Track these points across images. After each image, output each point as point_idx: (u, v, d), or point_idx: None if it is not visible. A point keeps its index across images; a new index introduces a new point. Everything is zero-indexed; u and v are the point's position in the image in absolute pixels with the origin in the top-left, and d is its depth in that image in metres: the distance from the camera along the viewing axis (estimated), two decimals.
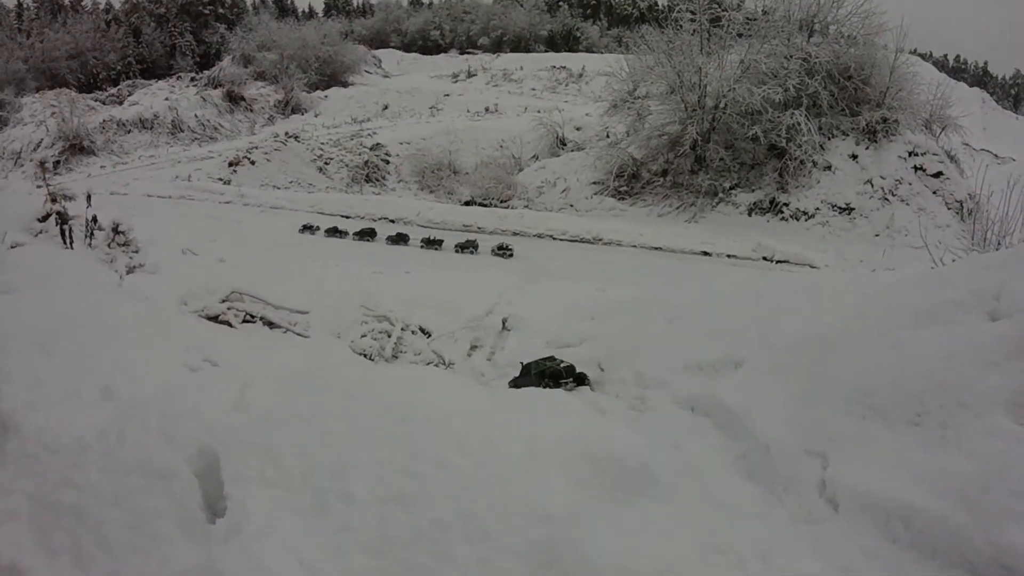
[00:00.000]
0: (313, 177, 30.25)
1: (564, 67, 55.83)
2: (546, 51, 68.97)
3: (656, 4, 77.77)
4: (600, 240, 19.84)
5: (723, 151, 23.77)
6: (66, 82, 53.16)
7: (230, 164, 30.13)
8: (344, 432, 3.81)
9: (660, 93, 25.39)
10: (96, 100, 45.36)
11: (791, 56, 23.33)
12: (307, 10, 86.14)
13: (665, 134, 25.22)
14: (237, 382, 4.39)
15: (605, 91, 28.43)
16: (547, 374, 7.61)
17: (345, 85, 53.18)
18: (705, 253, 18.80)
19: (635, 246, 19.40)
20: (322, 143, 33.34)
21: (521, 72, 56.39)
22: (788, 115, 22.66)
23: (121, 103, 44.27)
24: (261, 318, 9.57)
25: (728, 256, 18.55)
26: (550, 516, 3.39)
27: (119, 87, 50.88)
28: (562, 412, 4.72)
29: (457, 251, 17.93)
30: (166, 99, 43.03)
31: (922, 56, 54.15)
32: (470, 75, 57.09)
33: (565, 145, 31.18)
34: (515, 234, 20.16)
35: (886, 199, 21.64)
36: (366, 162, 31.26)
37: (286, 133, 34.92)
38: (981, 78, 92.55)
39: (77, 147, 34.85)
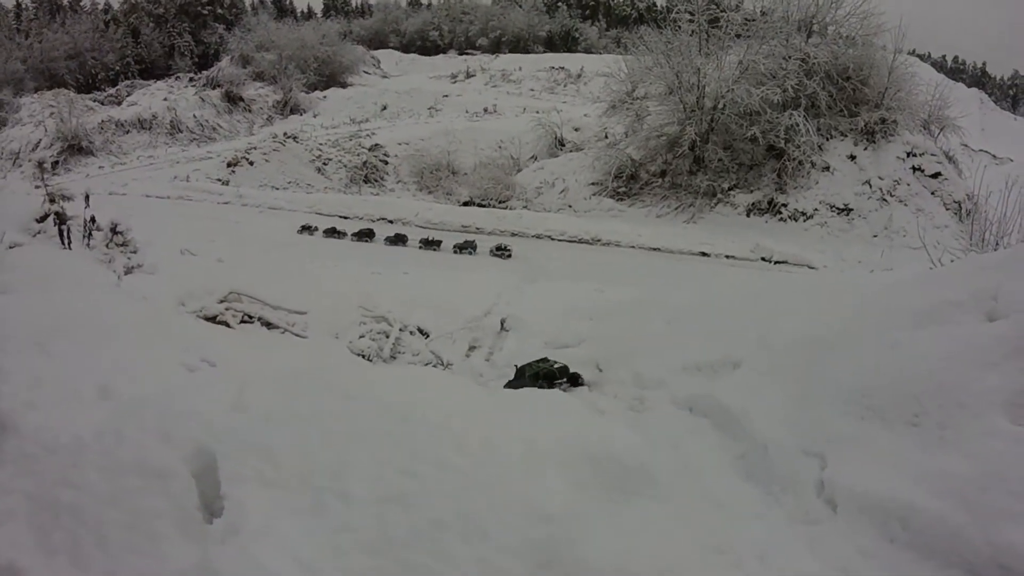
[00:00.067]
0: (311, 178, 30.23)
1: (563, 68, 55.82)
2: (545, 52, 68.89)
3: (655, 5, 77.82)
4: (598, 241, 19.83)
5: (721, 152, 23.78)
6: (64, 82, 53.12)
7: (228, 164, 30.11)
8: (343, 432, 3.81)
9: (658, 94, 25.38)
10: (95, 100, 45.33)
11: (790, 57, 23.33)
12: (306, 10, 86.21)
13: (663, 135, 25.22)
14: (235, 382, 4.39)
15: (603, 92, 28.41)
16: (541, 375, 7.63)
17: (344, 86, 53.17)
18: (703, 254, 18.80)
19: (633, 247, 19.39)
20: (321, 144, 33.33)
21: (520, 73, 56.39)
22: (787, 116, 22.66)
23: (120, 103, 44.25)
24: (259, 318, 9.57)
25: (726, 257, 18.55)
26: (549, 516, 3.39)
27: (118, 87, 50.82)
28: (561, 412, 4.72)
29: (455, 252, 17.92)
30: (165, 99, 43.01)
31: (921, 57, 54.27)
32: (469, 76, 57.09)
33: (564, 146, 31.18)
34: (513, 235, 20.14)
35: (884, 200, 21.66)
36: (364, 163, 31.24)
37: (284, 134, 34.89)
38: (979, 79, 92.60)
39: (75, 147, 34.81)
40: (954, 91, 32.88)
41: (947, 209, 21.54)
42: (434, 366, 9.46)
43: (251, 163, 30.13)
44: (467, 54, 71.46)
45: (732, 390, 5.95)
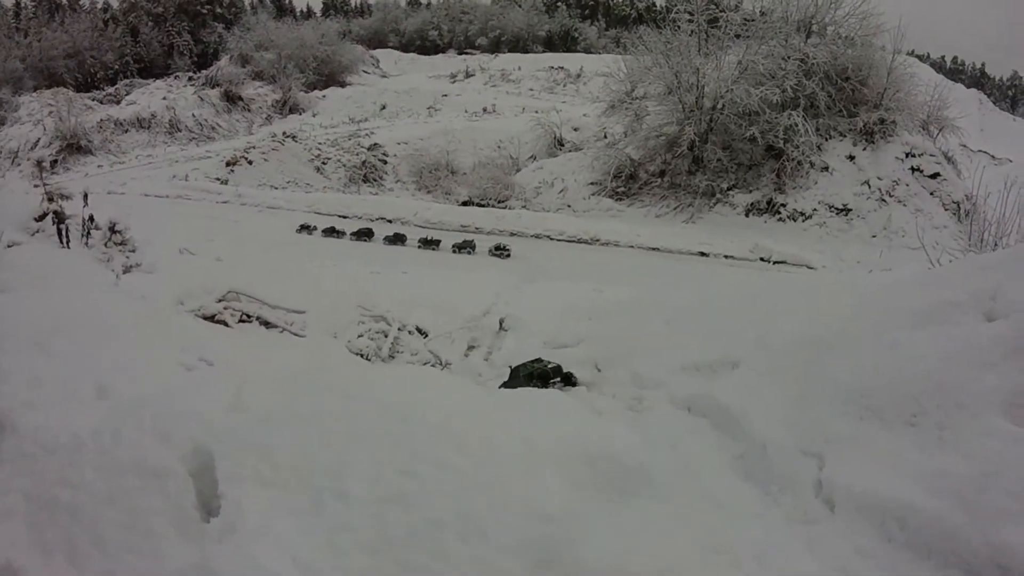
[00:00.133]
0: (310, 177, 30.22)
1: (562, 67, 55.85)
2: (544, 51, 68.95)
3: (654, 5, 77.87)
4: (597, 240, 19.83)
5: (720, 152, 23.78)
6: (63, 81, 53.12)
7: (227, 164, 30.10)
8: (341, 431, 3.81)
9: (658, 94, 25.39)
10: (93, 99, 45.32)
11: (789, 57, 23.33)
12: (305, 10, 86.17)
13: (663, 135, 25.23)
14: (233, 381, 4.38)
15: (603, 92, 28.41)
16: (535, 375, 7.67)
17: (343, 85, 53.15)
18: (702, 254, 18.80)
19: (632, 247, 19.39)
20: (320, 143, 33.32)
21: (519, 72, 56.40)
22: (786, 116, 22.67)
23: (118, 102, 44.21)
24: (257, 318, 9.56)
25: (725, 257, 18.55)
26: (547, 516, 3.39)
27: (116, 86, 50.79)
28: (559, 412, 4.72)
29: (454, 251, 17.91)
30: (164, 99, 42.96)
31: (920, 57, 54.30)
32: (468, 75, 57.11)
33: (563, 145, 31.18)
34: (512, 234, 20.13)
35: (883, 200, 21.67)
36: (363, 162, 31.24)
37: (284, 133, 34.89)
38: (979, 79, 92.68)
39: (74, 146, 34.79)
40: (953, 92, 32.91)
41: (946, 209, 21.55)
42: (433, 366, 9.45)
43: (250, 162, 30.12)
44: (466, 54, 71.49)
45: (731, 390, 5.95)
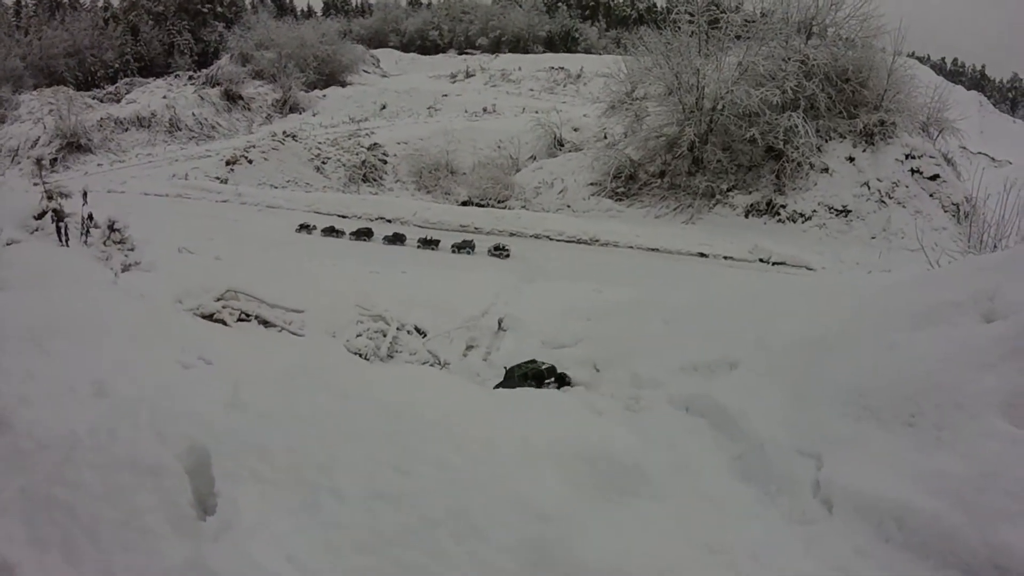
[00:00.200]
0: (310, 176, 30.23)
1: (562, 68, 55.83)
2: (544, 52, 68.91)
3: (655, 6, 77.85)
4: (597, 241, 19.83)
5: (720, 153, 23.79)
6: (64, 80, 53.11)
7: (227, 163, 30.11)
8: (339, 430, 3.80)
9: (658, 94, 25.40)
10: (94, 98, 45.30)
11: (789, 58, 23.34)
12: (306, 9, 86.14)
13: (663, 135, 25.24)
14: (231, 380, 4.38)
15: (603, 92, 28.42)
16: (530, 375, 7.70)
17: (343, 85, 53.12)
18: (702, 254, 18.80)
19: (632, 247, 19.39)
20: (320, 142, 33.32)
21: (519, 73, 56.39)
22: (786, 117, 22.67)
23: (119, 101, 44.20)
24: (256, 317, 9.55)
25: (725, 258, 18.55)
26: (544, 515, 3.38)
27: (117, 85, 50.79)
28: (558, 412, 4.72)
29: (454, 251, 17.91)
30: (164, 97, 42.96)
31: (920, 59, 54.25)
32: (468, 75, 57.09)
33: (563, 146, 31.18)
34: (512, 234, 20.13)
35: (883, 201, 21.67)
36: (363, 162, 31.24)
37: (284, 132, 34.89)
38: (979, 81, 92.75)
39: (74, 145, 34.77)
40: (953, 93, 32.88)
41: (945, 211, 21.55)
42: (431, 365, 9.44)
43: (250, 161, 30.13)
44: (467, 54, 71.45)
45: (729, 390, 5.94)
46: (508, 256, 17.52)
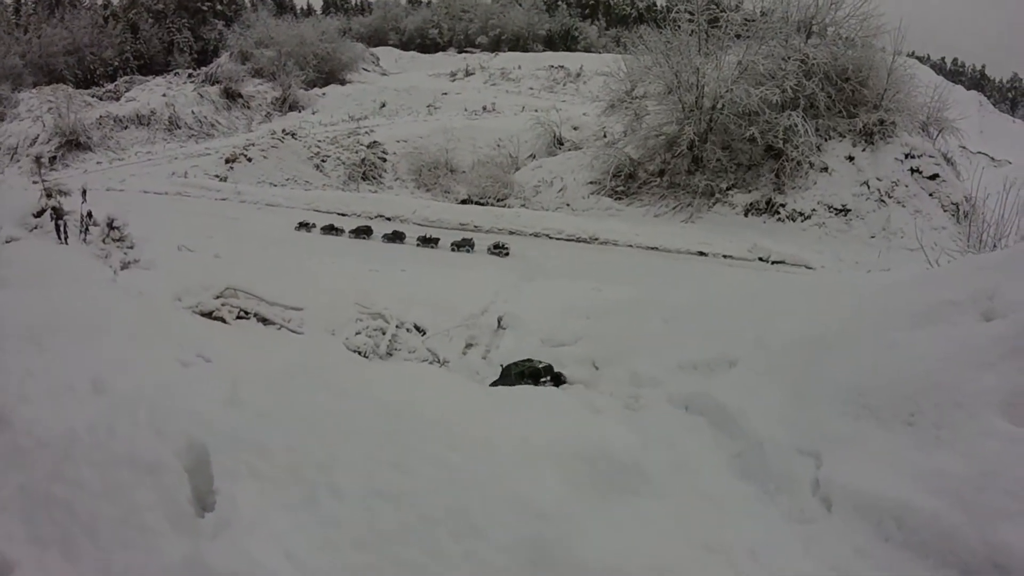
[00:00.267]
0: (310, 174, 30.21)
1: (562, 66, 55.78)
2: (544, 50, 68.88)
3: (654, 4, 77.82)
4: (596, 239, 19.82)
5: (720, 152, 23.79)
6: (63, 78, 52.98)
7: (227, 161, 30.07)
8: (339, 429, 3.80)
9: (658, 93, 25.39)
10: (93, 96, 45.19)
11: (789, 57, 23.33)
12: (305, 7, 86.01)
13: (662, 134, 25.23)
14: (229, 378, 4.37)
15: (603, 91, 28.40)
16: (526, 374, 7.71)
17: (343, 83, 53.06)
18: (701, 253, 18.79)
19: (631, 246, 19.38)
20: (319, 141, 33.28)
21: (519, 71, 56.35)
22: (785, 116, 22.67)
23: (118, 99, 44.11)
24: (255, 314, 9.54)
25: (724, 256, 18.55)
26: (542, 513, 3.38)
27: (116, 83, 50.69)
28: (557, 410, 4.71)
29: (453, 249, 17.90)
30: (163, 95, 42.89)
31: (920, 59, 54.25)
32: (468, 74, 57.07)
33: (562, 144, 31.16)
34: (511, 233, 20.12)
35: (882, 201, 21.68)
36: (363, 160, 31.21)
37: (283, 130, 34.85)
38: (979, 81, 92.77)
39: (74, 143, 34.70)
40: (953, 93, 32.91)
41: (945, 211, 21.57)
42: (430, 363, 9.44)
43: (249, 160, 30.10)
44: (466, 52, 71.38)
45: (729, 389, 5.94)
46: (507, 254, 17.51)
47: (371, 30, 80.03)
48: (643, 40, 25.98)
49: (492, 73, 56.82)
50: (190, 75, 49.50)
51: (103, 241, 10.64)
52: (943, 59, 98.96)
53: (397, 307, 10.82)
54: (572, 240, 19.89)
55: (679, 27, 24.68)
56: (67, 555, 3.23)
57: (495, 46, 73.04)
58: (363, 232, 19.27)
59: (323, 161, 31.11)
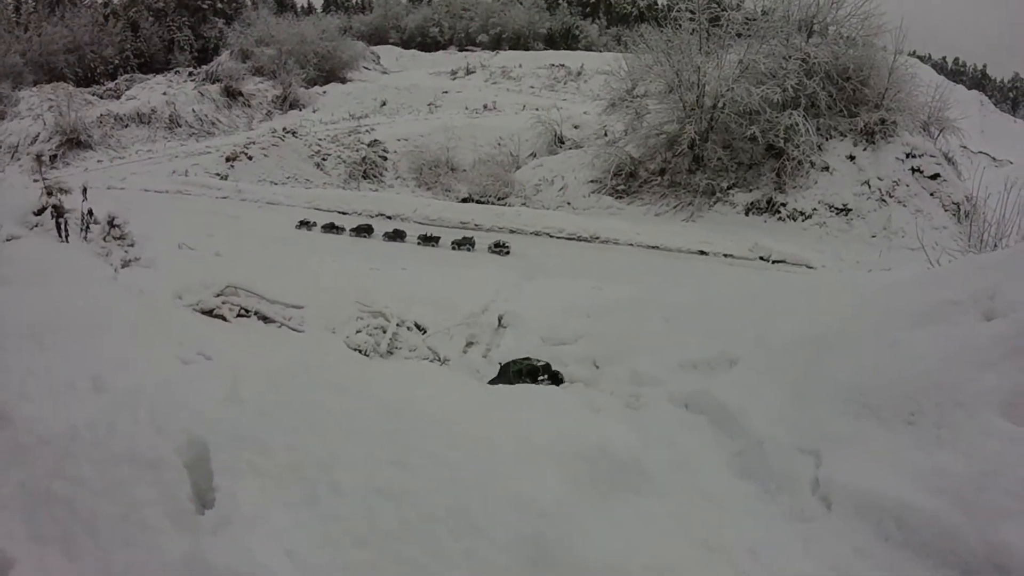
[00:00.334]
0: (310, 173, 30.21)
1: (563, 65, 55.78)
2: (545, 49, 68.91)
3: (655, 3, 77.71)
4: (597, 238, 19.81)
5: (721, 151, 23.78)
6: (64, 76, 52.97)
7: (227, 159, 30.08)
8: (340, 427, 3.80)
9: (658, 92, 25.37)
10: (93, 94, 45.15)
11: (790, 56, 23.32)
12: (306, 5, 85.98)
13: (663, 133, 25.22)
14: (230, 375, 4.37)
15: (603, 89, 28.38)
16: (524, 372, 7.72)
17: (343, 81, 53.04)
18: (702, 252, 18.79)
19: (632, 245, 19.37)
20: (320, 139, 33.27)
21: (520, 70, 56.34)
22: (786, 115, 22.66)
23: (119, 97, 44.08)
24: (256, 313, 9.54)
25: (725, 255, 18.54)
26: (542, 511, 3.38)
27: (117, 81, 50.63)
28: (557, 409, 4.71)
29: (454, 248, 17.90)
30: (164, 94, 42.87)
31: (921, 58, 54.26)
32: (469, 72, 57.06)
33: (563, 143, 31.15)
34: (512, 232, 20.12)
35: (883, 200, 21.67)
36: (363, 158, 31.21)
37: (284, 129, 34.86)
38: (980, 81, 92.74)
39: (74, 141, 34.69)
40: (954, 93, 32.89)
41: (946, 210, 21.56)
42: (431, 362, 9.44)
43: (250, 158, 30.10)
44: (467, 51, 71.42)
45: (729, 387, 5.94)
46: (508, 253, 17.50)
47: (372, 28, 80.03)
48: (644, 39, 25.96)
49: (493, 71, 56.82)
50: (191, 73, 49.47)
51: (104, 239, 10.64)
52: (944, 59, 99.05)
53: (398, 305, 10.82)
54: (573, 239, 19.88)
55: (680, 26, 24.68)
56: (67, 552, 3.23)
57: (496, 44, 73.05)
58: (364, 230, 19.26)
59: (324, 159, 31.11)
